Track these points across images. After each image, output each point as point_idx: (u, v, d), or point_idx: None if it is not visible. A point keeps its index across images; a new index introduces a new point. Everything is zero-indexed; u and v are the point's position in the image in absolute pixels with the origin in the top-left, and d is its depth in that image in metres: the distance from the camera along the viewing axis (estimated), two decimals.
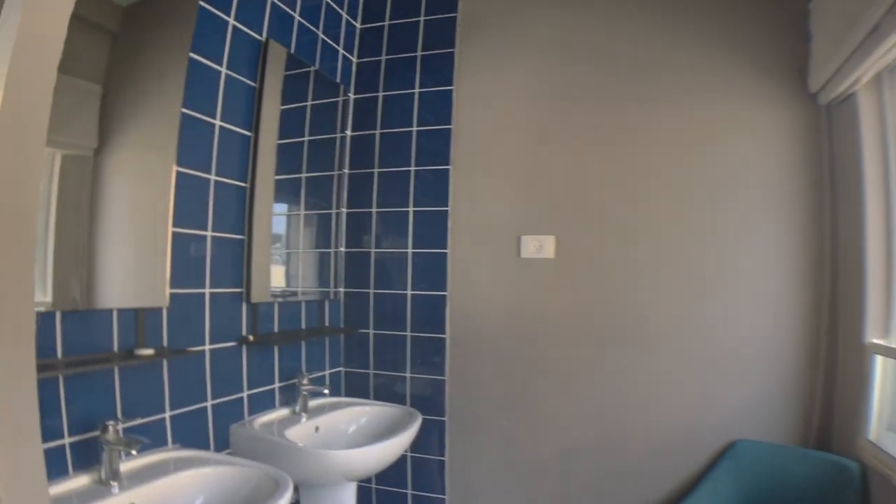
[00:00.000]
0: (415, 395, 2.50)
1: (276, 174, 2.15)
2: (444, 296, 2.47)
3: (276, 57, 2.12)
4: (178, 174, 1.72)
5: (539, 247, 2.39)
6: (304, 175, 2.37)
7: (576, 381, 2.36)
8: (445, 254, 2.48)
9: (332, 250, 2.54)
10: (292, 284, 2.33)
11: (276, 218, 2.17)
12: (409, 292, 2.52)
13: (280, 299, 2.21)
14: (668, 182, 2.28)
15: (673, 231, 2.27)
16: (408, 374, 2.51)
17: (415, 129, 2.54)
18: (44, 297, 1.39)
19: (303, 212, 2.40)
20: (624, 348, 2.30)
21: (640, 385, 2.29)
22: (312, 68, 2.35)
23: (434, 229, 2.50)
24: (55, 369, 1.34)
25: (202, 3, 1.79)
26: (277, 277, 2.21)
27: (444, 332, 2.47)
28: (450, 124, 2.50)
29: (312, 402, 2.26)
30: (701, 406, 2.22)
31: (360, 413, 2.30)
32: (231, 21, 1.93)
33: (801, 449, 2.08)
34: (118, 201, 1.57)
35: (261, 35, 2.07)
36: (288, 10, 2.21)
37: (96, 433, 1.44)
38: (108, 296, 1.55)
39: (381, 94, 2.61)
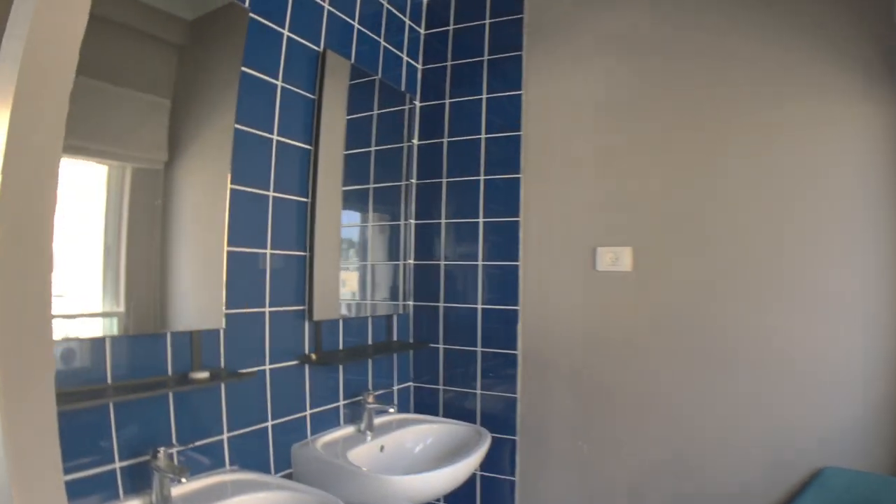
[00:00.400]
0: (485, 412, 2.41)
1: (343, 186, 2.11)
2: (515, 310, 2.36)
3: (336, 68, 2.07)
4: (233, 192, 1.69)
5: (615, 259, 2.24)
6: (371, 186, 2.33)
7: (653, 401, 2.19)
8: (517, 266, 2.37)
9: (400, 263, 2.48)
10: (359, 298, 2.29)
11: (342, 231, 2.14)
12: (479, 306, 2.43)
13: (346, 314, 2.17)
14: (752, 188, 2.08)
15: (758, 241, 2.06)
16: (478, 391, 2.42)
17: (483, 136, 2.44)
18: (117, 307, 1.41)
19: (371, 224, 2.35)
20: (705, 367, 2.12)
21: (721, 406, 2.10)
22: (376, 77, 2.30)
23: (505, 241, 2.39)
24: (104, 396, 1.32)
25: (254, 16, 1.76)
26: (344, 292, 2.17)
27: (515, 348, 2.36)
28: (519, 131, 2.39)
29: (378, 420, 2.21)
30: (786, 429, 2.01)
31: (428, 431, 2.23)
32: (286, 33, 1.89)
33: (895, 479, 1.85)
34: (181, 218, 1.56)
35: (318, 46, 2.03)
36: (346, 18, 2.16)
37: (147, 457, 1.42)
38: (169, 318, 1.54)
39: (447, 101, 2.53)
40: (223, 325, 1.66)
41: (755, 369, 2.05)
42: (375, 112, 2.32)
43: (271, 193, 1.85)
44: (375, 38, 2.32)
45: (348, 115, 2.14)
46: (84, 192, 1.37)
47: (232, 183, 1.68)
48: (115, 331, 1.43)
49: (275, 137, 1.86)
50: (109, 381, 1.40)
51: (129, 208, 1.43)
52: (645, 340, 2.21)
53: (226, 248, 1.66)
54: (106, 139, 1.39)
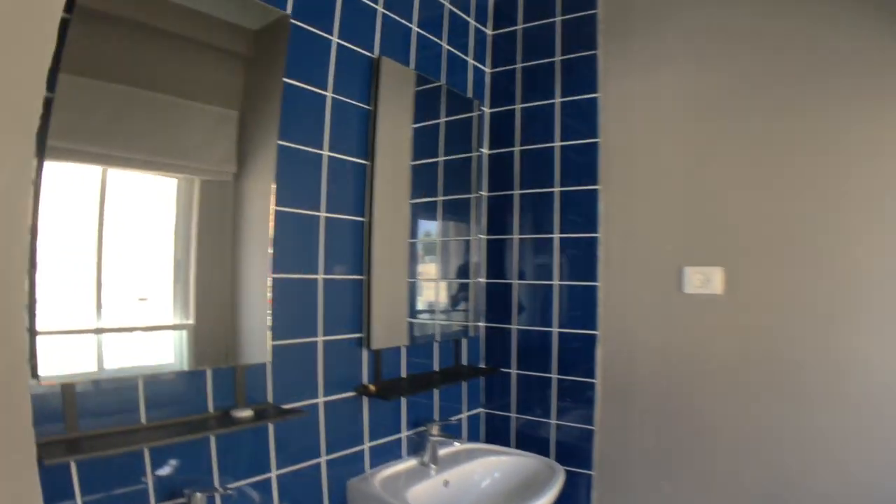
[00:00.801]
0: (560, 443, 2.22)
1: (408, 200, 2.00)
2: (593, 335, 2.16)
3: (392, 75, 1.94)
4: (278, 214, 1.58)
5: (704, 280, 2.00)
6: (438, 199, 2.19)
7: (748, 437, 1.93)
8: (595, 287, 2.16)
9: (470, 281, 2.33)
10: (424, 320, 2.15)
11: (409, 247, 2.02)
12: (555, 329, 2.24)
13: (409, 341, 2.04)
14: (864, 202, 1.78)
15: (870, 261, 1.77)
16: (552, 421, 2.23)
17: (557, 144, 2.25)
18: (186, 319, 1.40)
19: (437, 240, 2.21)
20: (809, 402, 1.84)
21: (829, 446, 1.81)
22: (439, 84, 2.16)
23: (582, 259, 2.19)
24: (137, 441, 1.24)
25: (297, 23, 1.64)
26: (407, 315, 2.04)
27: (593, 376, 2.16)
28: (596, 137, 2.18)
29: (444, 451, 2.06)
30: None
31: (496, 464, 2.07)
32: (335, 39, 1.77)
33: None
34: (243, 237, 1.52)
35: (372, 52, 1.90)
36: (403, 21, 2.02)
37: (183, 501, 1.35)
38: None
39: (518, 106, 2.35)
40: (269, 359, 1.55)
41: (866, 401, 1.76)
42: (441, 120, 2.18)
43: (322, 214, 1.74)
44: (437, 41, 2.17)
45: (413, 123, 2.01)
46: (155, 205, 1.38)
47: (277, 204, 1.58)
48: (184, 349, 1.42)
49: (325, 153, 1.75)
50: (144, 420, 1.33)
51: (198, 222, 1.43)
52: (738, 370, 1.95)
53: (271, 276, 1.55)
54: (175, 153, 1.39)
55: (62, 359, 1.19)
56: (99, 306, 1.25)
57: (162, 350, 1.40)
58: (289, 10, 1.62)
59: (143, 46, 1.31)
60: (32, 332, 1.10)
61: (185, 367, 1.41)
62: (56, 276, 1.17)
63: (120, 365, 1.30)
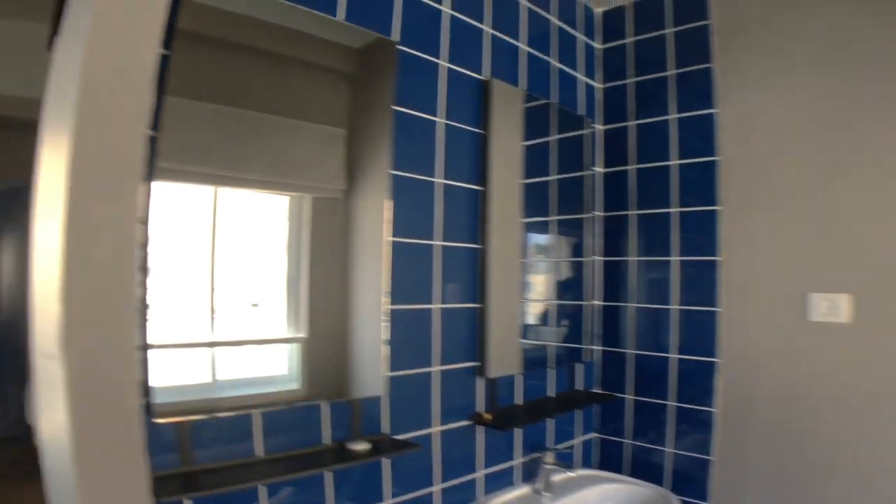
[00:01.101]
0: (676, 471, 2.14)
1: (520, 225, 1.97)
2: (712, 362, 2.07)
3: (503, 96, 1.90)
4: (394, 245, 1.59)
5: (831, 307, 1.87)
6: (551, 218, 2.14)
7: (871, 475, 1.79)
8: (715, 313, 2.07)
9: (584, 303, 2.27)
10: (539, 343, 2.11)
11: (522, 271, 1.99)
12: (672, 355, 2.15)
13: (524, 368, 2.00)
14: None
15: None
16: (668, 448, 2.16)
17: (673, 162, 2.16)
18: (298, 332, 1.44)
19: (551, 261, 2.17)
20: None
21: None
22: (548, 102, 2.11)
23: (701, 282, 2.10)
24: (254, 478, 1.24)
25: (404, 48, 1.64)
26: (521, 339, 2.00)
27: (712, 405, 2.07)
28: (715, 155, 2.09)
29: (557, 477, 2.02)
30: None
31: (610, 492, 2.01)
32: (443, 63, 1.75)
33: None
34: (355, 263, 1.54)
35: (480, 74, 1.87)
36: (510, 40, 1.99)
37: None
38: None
39: (631, 123, 2.28)
40: (385, 392, 1.55)
41: None
42: (551, 138, 2.13)
43: (436, 242, 1.73)
44: (545, 58, 2.12)
45: (521, 143, 1.98)
46: (268, 221, 1.42)
47: (392, 235, 1.58)
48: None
49: (436, 180, 1.73)
50: (260, 451, 1.34)
51: (310, 237, 1.46)
52: (864, 404, 1.81)
53: (388, 306, 1.55)
54: (286, 171, 1.43)
55: (177, 371, 1.21)
56: (213, 320, 1.28)
57: (276, 362, 1.45)
58: (395, 37, 1.62)
59: (249, 69, 1.35)
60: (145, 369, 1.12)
61: (297, 380, 1.44)
62: (172, 290, 1.20)
63: (234, 376, 1.35)
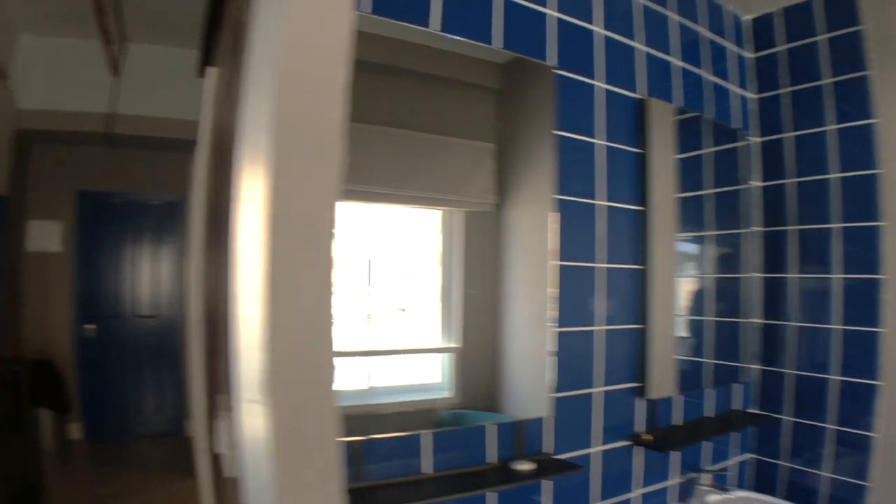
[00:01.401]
0: (832, 497, 2.05)
1: (678, 243, 1.94)
2: (874, 385, 1.98)
3: (659, 114, 1.88)
4: (561, 268, 1.60)
5: None
6: (706, 233, 2.10)
7: None
8: (877, 333, 1.98)
9: (742, 320, 2.21)
10: (696, 361, 2.07)
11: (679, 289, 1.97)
12: (831, 377, 2.06)
13: (687, 380, 1.98)
14: None
15: None
16: (824, 473, 2.07)
17: (833, 176, 2.07)
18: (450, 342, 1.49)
19: (708, 276, 2.13)
20: None
21: None
22: (700, 116, 2.06)
23: (863, 301, 2.01)
24: (423, 496, 1.28)
25: (560, 72, 1.64)
26: (678, 358, 1.98)
27: (871, 429, 1.99)
28: (876, 168, 1.99)
29: (712, 499, 1.98)
30: None
31: None
32: (599, 84, 1.75)
33: None
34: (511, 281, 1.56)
35: (636, 92, 1.86)
36: (662, 55, 1.97)
37: None
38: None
39: (787, 135, 2.20)
40: (549, 413, 1.58)
41: None
42: (703, 152, 2.09)
43: (599, 265, 1.73)
44: (697, 71, 2.08)
45: (674, 158, 1.95)
46: (422, 237, 1.50)
47: (560, 259, 1.60)
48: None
49: (597, 202, 1.74)
50: (428, 468, 1.38)
51: (463, 250, 1.52)
52: None
53: (555, 329, 1.57)
54: (439, 187, 1.48)
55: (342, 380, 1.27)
56: (367, 328, 1.35)
57: (429, 370, 1.51)
58: (551, 61, 1.63)
59: (400, 89, 1.40)
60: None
61: (450, 389, 1.49)
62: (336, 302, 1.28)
63: (389, 383, 1.42)
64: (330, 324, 0.82)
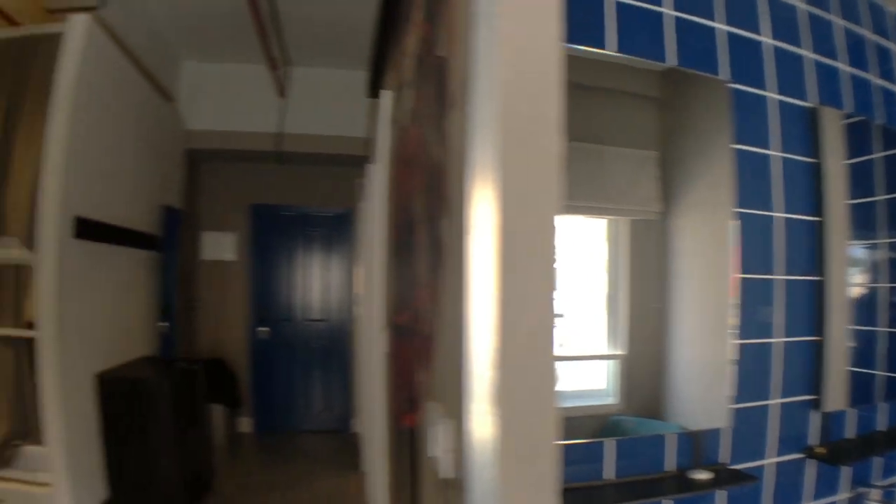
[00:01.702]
0: None
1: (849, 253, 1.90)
2: None
3: (831, 121, 1.85)
4: (741, 280, 1.62)
5: None
6: (879, 241, 2.03)
7: None
8: None
9: None
10: (867, 367, 2.01)
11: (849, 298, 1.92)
12: None
13: (861, 392, 1.92)
14: None
15: None
16: None
17: None
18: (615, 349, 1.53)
19: (879, 284, 2.06)
20: None
21: None
22: (869, 121, 2.00)
23: None
24: (604, 501, 1.34)
25: (732, 85, 1.65)
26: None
27: None
28: None
29: None
30: None
31: None
32: (771, 95, 1.74)
33: None
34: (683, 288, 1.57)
35: (806, 101, 1.83)
36: (829, 61, 1.92)
37: None
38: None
39: None
40: (728, 424, 1.60)
41: None
42: (875, 156, 2.02)
43: (777, 277, 1.72)
44: (864, 75, 2.02)
45: (843, 164, 1.90)
46: (588, 246, 1.54)
47: (741, 272, 1.62)
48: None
49: (775, 214, 1.73)
50: (610, 474, 1.44)
51: (629, 259, 1.55)
52: None
53: (734, 342, 1.59)
54: (603, 196, 1.51)
55: None
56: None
57: (595, 377, 1.55)
58: (724, 75, 1.64)
59: (570, 101, 1.44)
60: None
61: (615, 395, 1.53)
62: None
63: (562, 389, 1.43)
64: (552, 338, 0.88)
